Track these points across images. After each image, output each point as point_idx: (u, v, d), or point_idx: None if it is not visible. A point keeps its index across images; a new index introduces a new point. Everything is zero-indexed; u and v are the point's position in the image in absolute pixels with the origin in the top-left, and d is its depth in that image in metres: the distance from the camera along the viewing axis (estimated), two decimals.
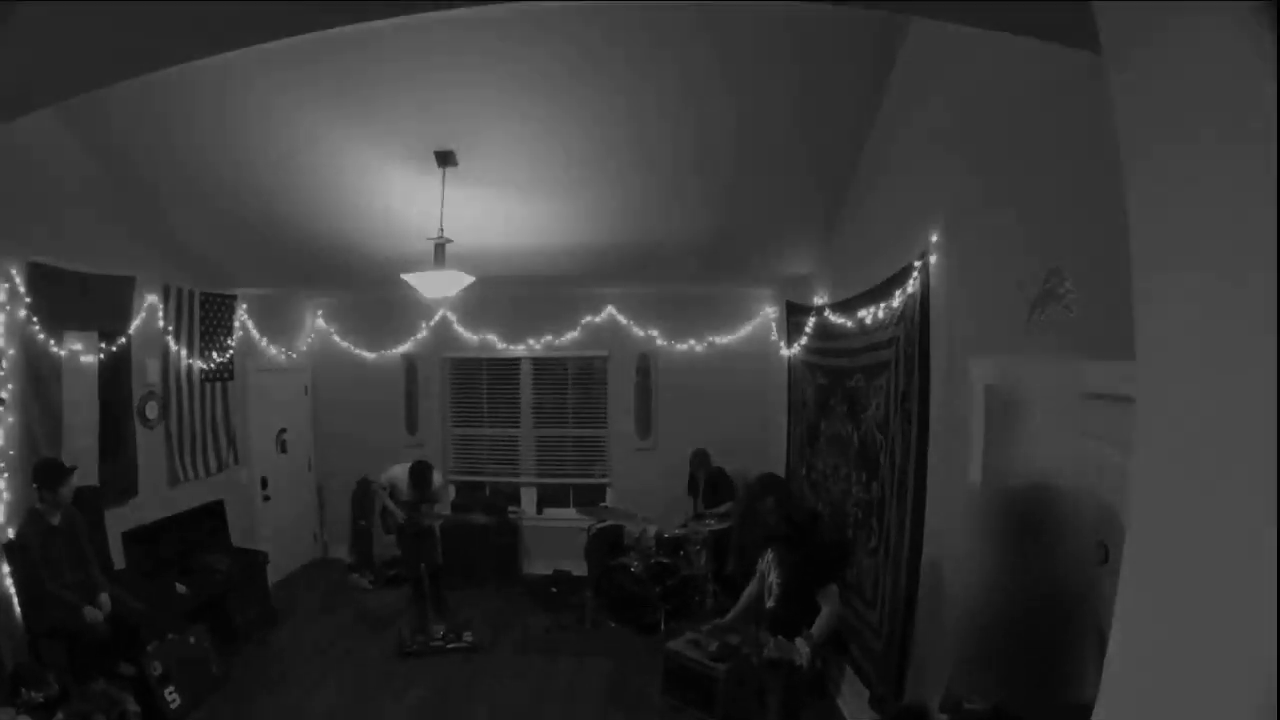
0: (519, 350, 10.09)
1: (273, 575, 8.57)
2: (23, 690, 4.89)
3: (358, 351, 10.37)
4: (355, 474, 10.19)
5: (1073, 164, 2.98)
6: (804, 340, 7.58)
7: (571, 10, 4.57)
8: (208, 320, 8.12)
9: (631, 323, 9.71)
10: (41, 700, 4.90)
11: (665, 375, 9.83)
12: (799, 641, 4.40)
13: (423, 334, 10.15)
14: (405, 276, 6.21)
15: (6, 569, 5.37)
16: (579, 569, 9.18)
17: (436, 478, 8.11)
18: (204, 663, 6.36)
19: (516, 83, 5.20)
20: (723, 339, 9.63)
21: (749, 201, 6.67)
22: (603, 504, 9.83)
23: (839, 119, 5.60)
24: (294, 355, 9.99)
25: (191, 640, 6.31)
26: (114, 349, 6.65)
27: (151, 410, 7.29)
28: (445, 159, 5.90)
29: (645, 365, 9.81)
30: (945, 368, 4.34)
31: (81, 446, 6.32)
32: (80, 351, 6.31)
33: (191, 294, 7.82)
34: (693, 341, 9.66)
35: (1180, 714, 1.27)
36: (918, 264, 4.63)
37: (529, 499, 10.42)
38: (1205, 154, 1.28)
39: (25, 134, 5.23)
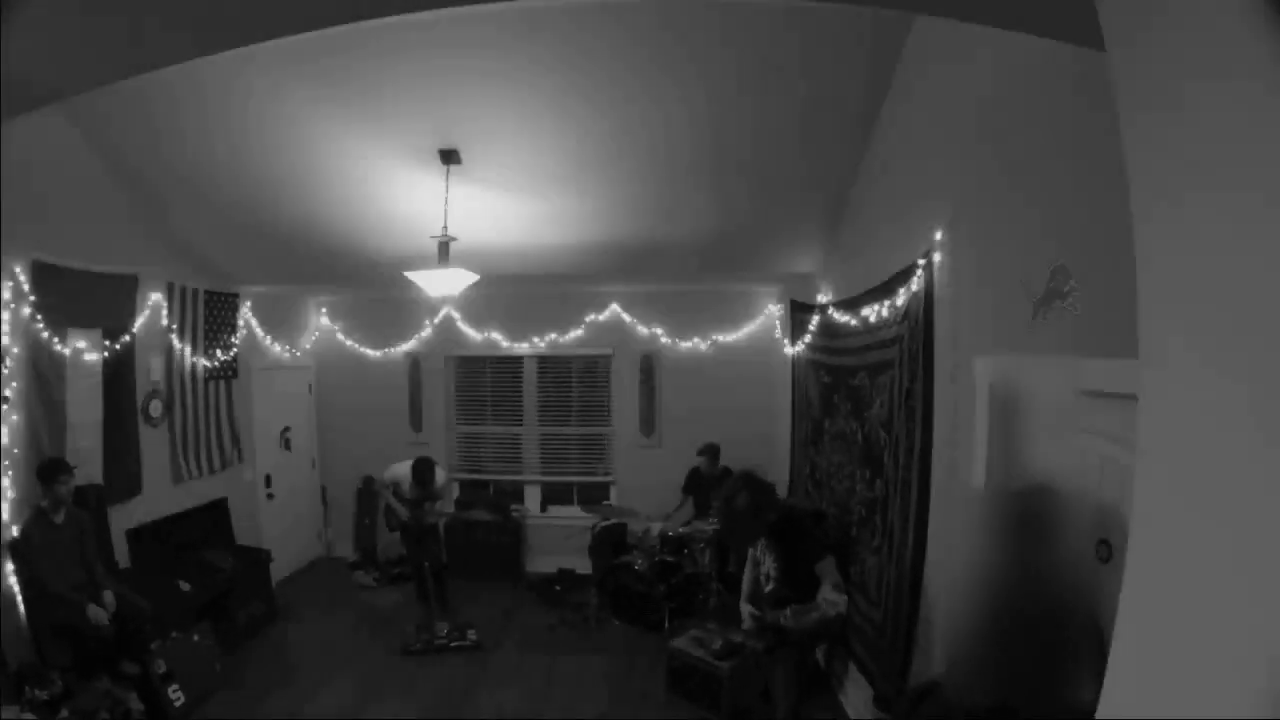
0: (523, 348, 10.08)
1: (276, 573, 8.58)
2: (27, 688, 4.90)
3: (362, 349, 10.38)
4: (359, 472, 10.22)
5: (1077, 162, 2.98)
6: (808, 338, 7.57)
7: (577, 8, 4.57)
8: (211, 318, 8.13)
9: (635, 321, 9.71)
10: (46, 698, 4.91)
11: (669, 373, 9.83)
12: (827, 591, 4.40)
13: (427, 332, 10.16)
14: (409, 274, 6.22)
15: (10, 567, 5.39)
16: (583, 567, 9.19)
17: (440, 475, 8.12)
18: (208, 661, 6.36)
19: (521, 80, 5.20)
20: (727, 337, 9.63)
21: (753, 199, 6.67)
22: (606, 502, 9.83)
23: (843, 117, 5.60)
24: (298, 353, 10.00)
25: (195, 638, 6.31)
26: (118, 347, 6.66)
27: (155, 408, 7.29)
28: (449, 157, 5.91)
29: (649, 364, 9.81)
30: (949, 366, 4.33)
31: (85, 445, 6.33)
32: (84, 350, 6.31)
33: (195, 292, 7.83)
34: (697, 339, 9.66)
35: (1184, 712, 1.26)
36: (922, 262, 4.62)
37: (533, 497, 10.42)
38: (1210, 150, 1.28)
39: (29, 132, 5.24)
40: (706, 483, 8.60)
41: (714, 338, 9.64)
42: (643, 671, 6.85)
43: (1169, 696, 1.33)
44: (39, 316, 5.74)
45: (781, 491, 6.62)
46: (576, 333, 9.88)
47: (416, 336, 10.21)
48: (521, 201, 6.66)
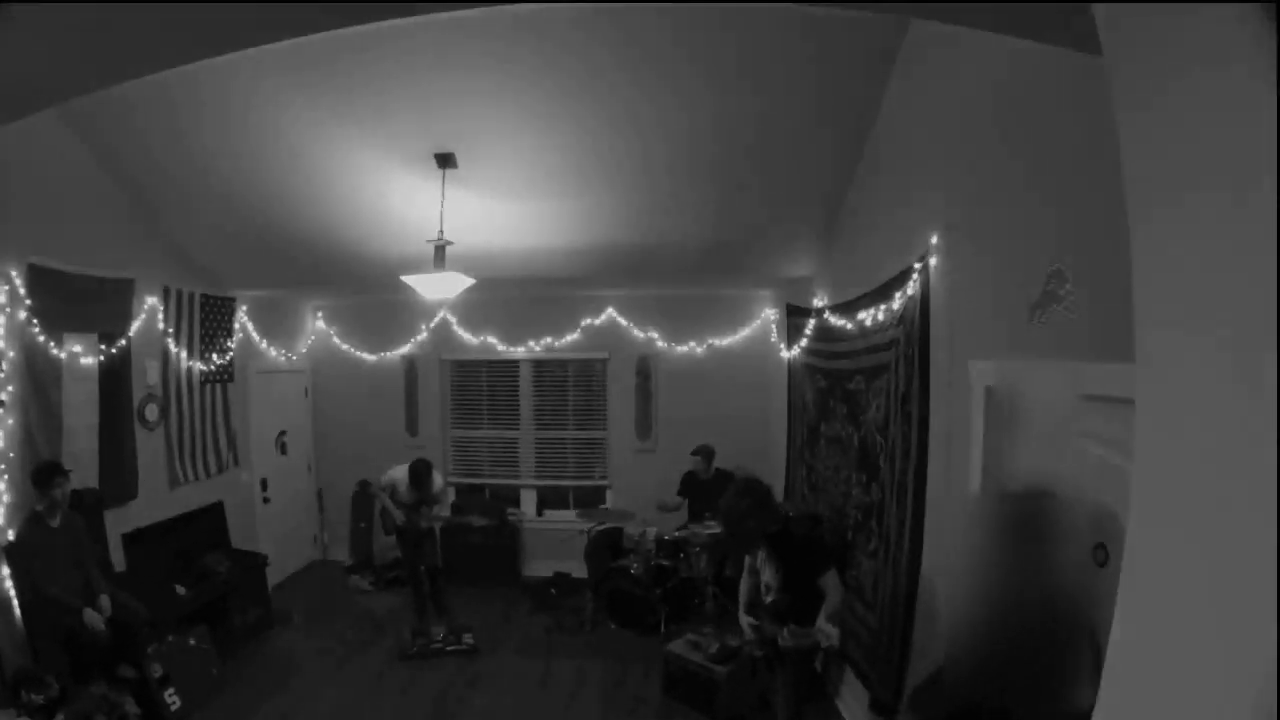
0: (519, 352, 10.08)
1: (273, 577, 8.56)
2: (23, 692, 4.89)
3: (358, 353, 10.37)
4: (355, 476, 10.19)
5: (1073, 166, 2.98)
6: (804, 342, 7.58)
7: (573, 13, 4.58)
8: (208, 322, 8.12)
9: (631, 325, 9.71)
10: (42, 702, 4.90)
11: (665, 377, 9.83)
12: (823, 624, 4.38)
13: (423, 336, 10.15)
14: (405, 278, 6.22)
15: (6, 571, 5.37)
16: (579, 571, 9.17)
17: (436, 478, 8.11)
18: (204, 665, 6.36)
19: (517, 85, 5.21)
20: (723, 341, 9.63)
21: (749, 203, 6.67)
22: (603, 506, 9.83)
23: (839, 121, 5.61)
24: (294, 357, 9.98)
25: (192, 642, 6.32)
26: (114, 351, 6.65)
27: (151, 412, 7.29)
28: (445, 161, 5.91)
29: (645, 367, 9.81)
30: (945, 370, 4.34)
31: (81, 449, 6.33)
32: (80, 353, 6.31)
33: (191, 296, 7.82)
34: (693, 343, 9.66)
35: (1181, 715, 1.27)
36: (918, 266, 4.63)
37: (529, 501, 10.42)
38: (1207, 153, 1.28)
39: (26, 135, 5.24)
40: (701, 485, 8.59)
41: (710, 342, 9.64)
42: (639, 676, 6.85)
43: (1165, 703, 1.33)
44: (35, 320, 5.72)
45: (777, 496, 6.61)
46: (572, 336, 9.88)
47: (412, 340, 10.20)
48: (517, 205, 6.66)
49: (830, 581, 4.46)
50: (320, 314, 10.47)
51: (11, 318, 5.56)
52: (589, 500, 10.16)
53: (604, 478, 10.25)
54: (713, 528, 7.93)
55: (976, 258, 4.00)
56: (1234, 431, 1.19)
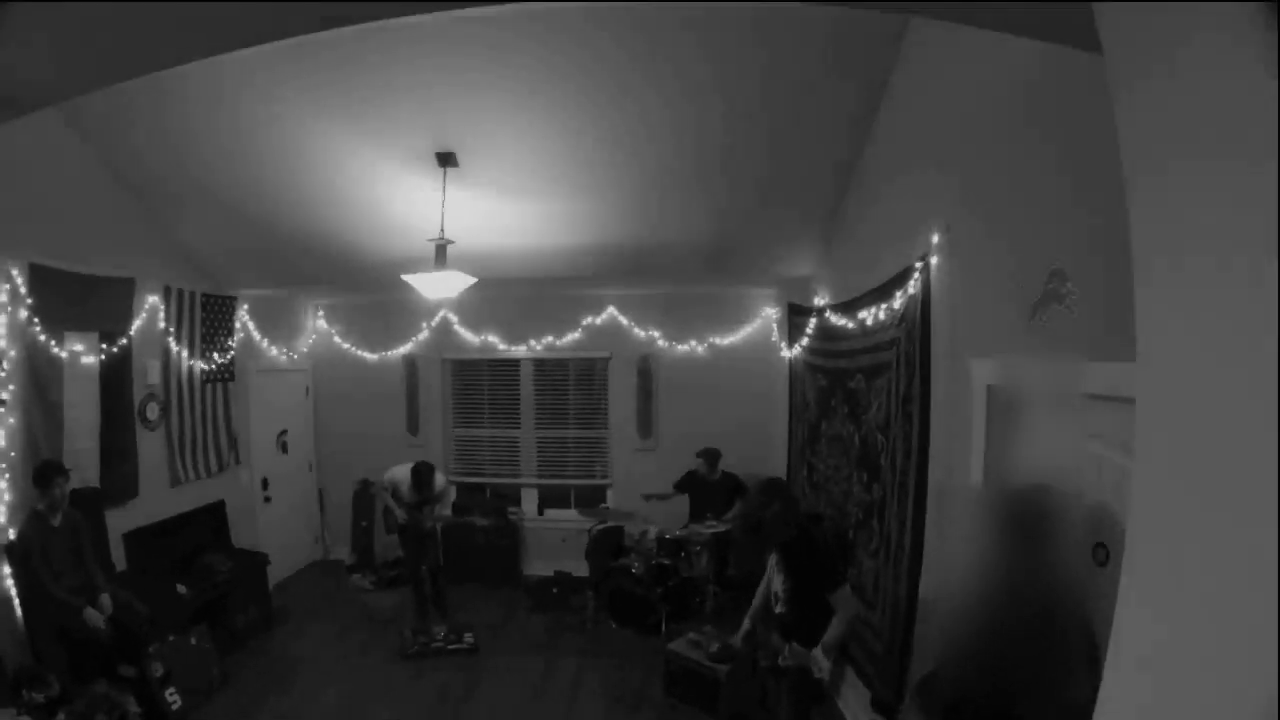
0: (520, 351, 10.08)
1: (274, 576, 8.55)
2: (24, 691, 4.89)
3: (359, 352, 10.36)
4: (356, 475, 10.21)
5: (1074, 164, 2.98)
6: (805, 341, 7.58)
7: (573, 12, 4.58)
8: (208, 321, 8.13)
9: (632, 324, 9.70)
10: (43, 701, 4.90)
11: (666, 376, 9.82)
12: (817, 653, 4.34)
13: (424, 335, 10.15)
14: (406, 277, 6.22)
15: (7, 570, 5.38)
16: (580, 570, 9.16)
17: (439, 479, 8.12)
18: (205, 664, 6.36)
19: (518, 84, 5.21)
20: (724, 340, 9.61)
21: (750, 203, 6.68)
22: (604, 505, 9.82)
23: (840, 120, 5.61)
24: (295, 356, 9.98)
25: (193, 641, 6.31)
26: (115, 350, 6.65)
27: (152, 411, 7.29)
28: (446, 160, 5.92)
29: (646, 366, 9.80)
30: (946, 369, 4.34)
31: (82, 448, 6.34)
32: (81, 353, 6.31)
33: (192, 295, 7.83)
34: (694, 342, 9.65)
35: (1181, 715, 1.27)
36: (919, 265, 4.63)
37: (530, 500, 10.42)
38: (1207, 153, 1.28)
39: (26, 135, 5.24)
40: (703, 485, 8.59)
41: (711, 340, 9.63)
42: (640, 675, 6.84)
43: (1167, 699, 1.33)
44: (36, 319, 5.73)
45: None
46: (573, 335, 9.87)
47: (413, 339, 10.19)
48: (518, 204, 6.66)
49: (841, 601, 4.39)
50: (321, 313, 10.46)
51: (13, 317, 5.57)
52: (590, 499, 10.14)
53: (605, 477, 10.24)
54: (715, 527, 7.93)
55: (977, 257, 4.00)
56: (1234, 430, 1.19)
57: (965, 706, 3.10)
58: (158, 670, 5.77)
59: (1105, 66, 1.58)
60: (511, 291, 9.29)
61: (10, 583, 5.39)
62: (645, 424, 9.89)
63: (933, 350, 4.53)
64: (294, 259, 7.82)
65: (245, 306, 8.87)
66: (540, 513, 10.40)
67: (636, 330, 9.70)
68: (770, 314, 9.42)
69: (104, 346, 6.56)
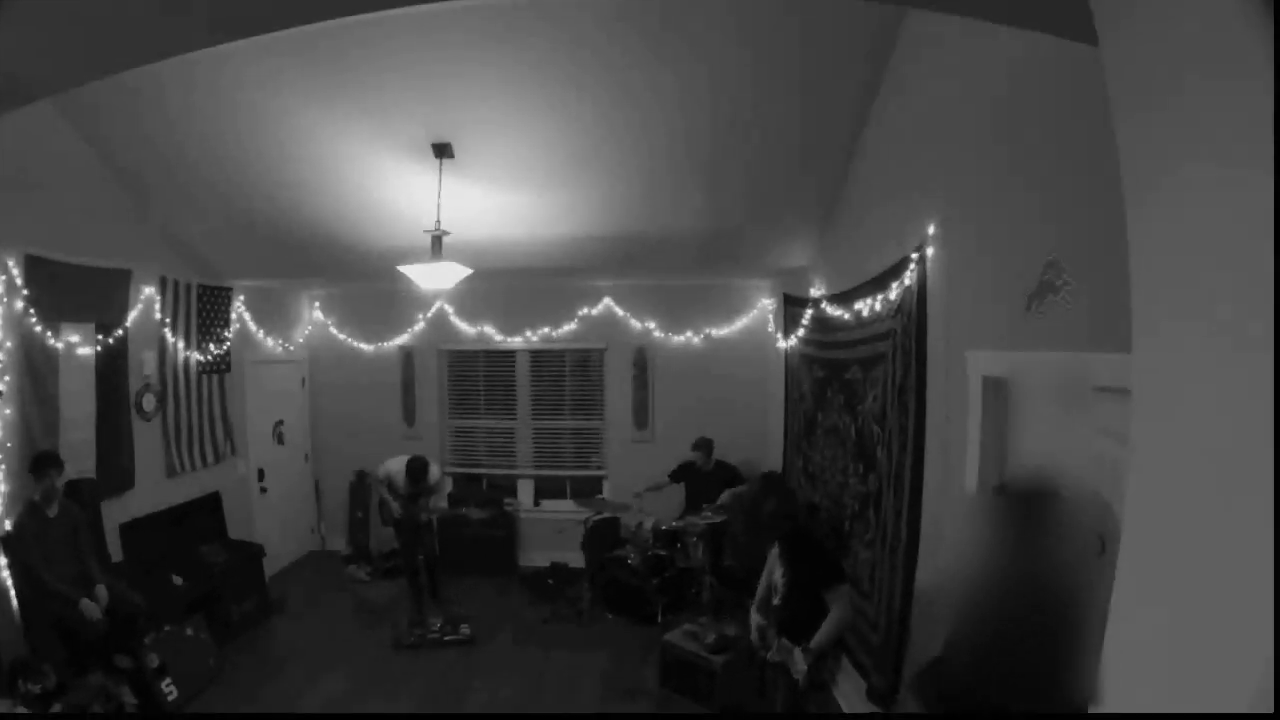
0: (516, 342, 10.08)
1: (270, 567, 8.55)
2: (20, 682, 4.89)
3: (355, 343, 10.36)
4: (352, 466, 10.22)
5: (1070, 155, 2.98)
6: (801, 332, 7.58)
7: (569, 2, 4.57)
8: (204, 312, 8.12)
9: (628, 315, 9.70)
10: (39, 692, 4.90)
11: (662, 367, 9.83)
12: (798, 654, 4.35)
13: (420, 326, 10.15)
14: (402, 268, 6.22)
15: (3, 561, 5.38)
16: (576, 561, 9.17)
17: (434, 472, 8.14)
18: (201, 655, 6.36)
19: (514, 74, 5.20)
20: (720, 331, 9.62)
21: (746, 193, 6.67)
22: (600, 496, 9.82)
23: (836, 110, 5.60)
24: (291, 347, 9.99)
25: (188, 632, 6.32)
26: (111, 341, 6.64)
27: (148, 402, 7.28)
28: (442, 151, 5.90)
29: (642, 358, 9.81)
30: (942, 360, 4.34)
31: (78, 439, 6.33)
32: (77, 344, 6.30)
33: (188, 286, 7.82)
34: (690, 333, 9.66)
35: (1177, 702, 1.27)
36: (915, 256, 4.63)
37: (526, 491, 10.43)
38: (1202, 143, 1.28)
39: (22, 126, 5.22)
40: (699, 475, 8.60)
41: (707, 331, 9.64)
42: (636, 665, 6.86)
43: (1163, 687, 1.34)
44: (32, 310, 5.72)
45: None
46: (569, 327, 9.88)
47: (409, 330, 10.19)
48: (514, 195, 6.65)
49: (838, 599, 4.41)
50: (317, 304, 10.46)
51: (9, 308, 5.56)
52: (586, 490, 10.14)
53: (601, 468, 10.26)
54: (710, 518, 7.93)
55: (974, 248, 4.00)
56: (1230, 420, 1.19)
57: (964, 697, 3.11)
58: (154, 661, 5.77)
59: (1101, 56, 1.58)
60: (508, 283, 9.28)
61: (6, 574, 5.39)
62: (641, 415, 9.90)
63: (929, 341, 4.53)
64: (290, 250, 7.80)
65: (241, 297, 8.86)
66: (536, 504, 10.42)
67: (632, 321, 9.70)
68: (766, 305, 9.43)
69: (100, 338, 6.54)
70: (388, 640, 7.46)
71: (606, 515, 8.95)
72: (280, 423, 9.84)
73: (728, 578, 8.02)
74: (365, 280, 9.26)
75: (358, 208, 6.89)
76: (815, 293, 7.23)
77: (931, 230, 4.48)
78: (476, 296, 9.65)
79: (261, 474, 9.33)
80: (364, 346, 10.34)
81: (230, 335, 8.59)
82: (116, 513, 6.76)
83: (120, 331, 6.76)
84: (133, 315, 6.93)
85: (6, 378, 5.52)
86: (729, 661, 5.94)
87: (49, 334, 5.91)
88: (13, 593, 5.40)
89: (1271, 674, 1.04)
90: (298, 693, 6.38)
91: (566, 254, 7.83)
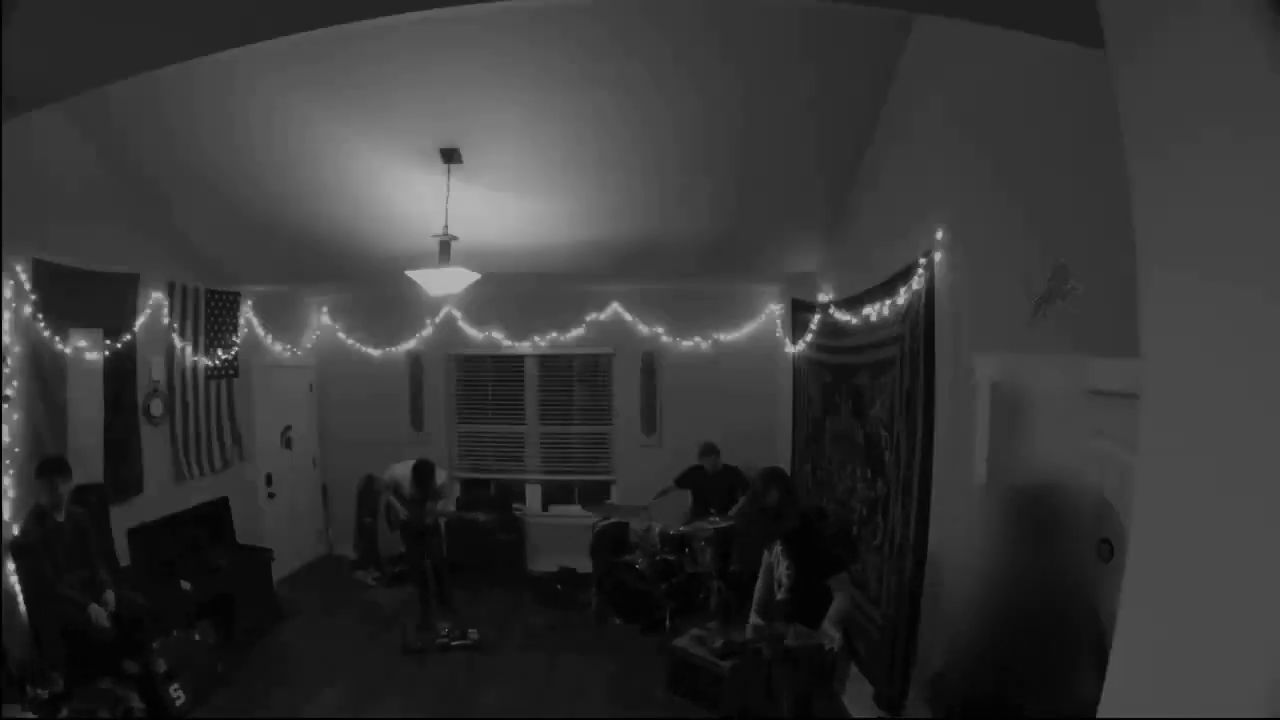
0: (524, 347, 10.09)
1: (277, 572, 8.57)
2: (28, 687, 4.90)
3: (363, 348, 10.38)
4: (360, 471, 10.22)
5: (1078, 160, 2.97)
6: (809, 337, 7.57)
7: (578, 7, 4.57)
8: (212, 317, 8.13)
9: (637, 320, 9.70)
10: (46, 697, 4.91)
11: (670, 372, 9.83)
12: (826, 626, 4.39)
13: (428, 331, 10.16)
14: (410, 273, 6.22)
15: (11, 567, 5.39)
16: (584, 566, 9.17)
17: (440, 475, 8.14)
18: (208, 660, 6.36)
19: (522, 79, 5.21)
20: (728, 336, 9.62)
21: (754, 199, 6.67)
22: (608, 501, 9.82)
23: (844, 116, 5.60)
24: (299, 352, 10.01)
25: (196, 637, 6.32)
26: (119, 346, 6.66)
27: (156, 407, 7.30)
28: (450, 156, 5.91)
29: (650, 363, 9.80)
30: (950, 365, 4.34)
31: (87, 444, 6.34)
32: (85, 349, 6.31)
33: (196, 291, 7.83)
34: (698, 338, 9.65)
35: (1185, 711, 1.26)
36: (923, 261, 4.62)
37: (534, 496, 10.42)
38: (1211, 147, 1.27)
39: (31, 131, 5.24)
40: (707, 480, 8.59)
41: (715, 337, 9.63)
42: (643, 671, 6.84)
43: (1170, 696, 1.33)
44: (40, 315, 5.74)
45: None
46: (577, 331, 9.88)
47: (417, 335, 10.21)
48: (523, 200, 6.66)
49: (841, 582, 4.48)
50: (325, 309, 10.48)
51: (17, 313, 5.58)
52: (594, 495, 10.14)
53: (609, 473, 10.25)
54: (718, 522, 7.92)
55: (981, 253, 3.99)
56: (1239, 426, 1.19)
57: (975, 704, 3.10)
58: (161, 666, 5.77)
59: (1107, 59, 1.57)
60: (516, 288, 9.31)
61: (14, 579, 5.40)
62: (649, 420, 9.90)
63: (937, 346, 4.53)
64: (298, 255, 7.83)
65: (249, 302, 8.88)
66: (544, 508, 10.41)
67: (641, 326, 9.70)
68: (774, 310, 9.43)
69: (108, 343, 6.56)
70: (396, 645, 7.45)
71: (614, 520, 8.94)
72: (288, 428, 9.85)
73: (735, 583, 8.00)
74: (373, 285, 9.29)
75: (366, 213, 6.91)
76: (823, 298, 7.22)
77: (939, 235, 4.47)
78: (484, 302, 9.66)
79: (269, 479, 9.34)
80: (372, 351, 10.35)
81: (238, 340, 8.60)
82: (124, 518, 6.76)
83: (128, 336, 6.77)
84: (141, 320, 6.95)
85: (15, 383, 5.53)
86: (737, 666, 5.93)
87: (57, 339, 5.92)
88: (21, 598, 5.41)
89: None
90: (305, 698, 6.37)
91: (574, 259, 7.83)
